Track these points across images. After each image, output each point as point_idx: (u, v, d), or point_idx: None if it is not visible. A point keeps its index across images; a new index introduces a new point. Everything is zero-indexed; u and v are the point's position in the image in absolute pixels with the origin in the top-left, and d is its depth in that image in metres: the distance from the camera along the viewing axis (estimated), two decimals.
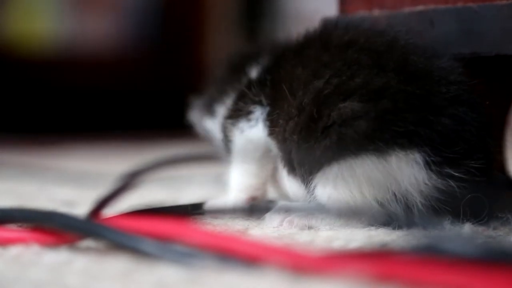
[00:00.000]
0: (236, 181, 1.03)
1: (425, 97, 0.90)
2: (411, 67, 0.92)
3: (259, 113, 1.00)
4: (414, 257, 0.65)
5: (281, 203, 0.96)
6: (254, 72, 1.05)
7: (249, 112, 1.00)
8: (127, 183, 0.90)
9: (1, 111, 2.86)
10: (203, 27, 3.37)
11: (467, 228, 0.88)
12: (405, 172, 0.89)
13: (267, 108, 1.00)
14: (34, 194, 1.37)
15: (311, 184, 0.93)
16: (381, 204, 0.90)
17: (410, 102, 0.89)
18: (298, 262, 0.67)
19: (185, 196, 1.29)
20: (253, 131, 1.00)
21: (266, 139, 0.99)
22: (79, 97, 3.06)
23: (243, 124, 1.01)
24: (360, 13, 1.14)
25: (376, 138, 0.88)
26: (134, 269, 0.71)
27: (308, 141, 0.92)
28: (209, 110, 1.11)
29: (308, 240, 0.86)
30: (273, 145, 0.99)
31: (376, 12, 1.12)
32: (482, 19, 1.00)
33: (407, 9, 1.07)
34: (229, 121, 1.02)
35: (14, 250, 0.81)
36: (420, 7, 1.06)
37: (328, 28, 1.03)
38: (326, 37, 1.00)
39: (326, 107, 0.91)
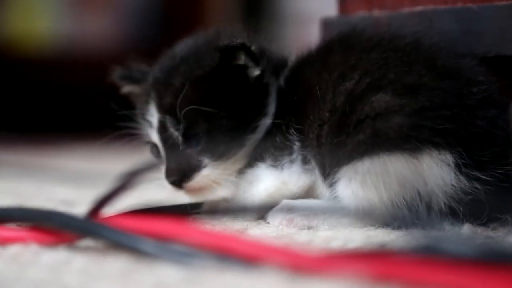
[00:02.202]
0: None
1: (459, 96, 0.90)
2: (440, 66, 0.92)
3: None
4: (413, 257, 0.65)
5: (286, 201, 0.96)
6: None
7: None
8: (126, 182, 0.90)
9: (0, 111, 2.86)
10: (203, 27, 3.37)
11: (466, 228, 0.88)
12: (434, 172, 0.89)
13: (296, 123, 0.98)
14: (33, 193, 1.37)
15: (333, 178, 0.93)
16: (402, 204, 0.90)
17: (446, 100, 0.89)
18: (297, 262, 0.67)
19: (184, 195, 1.29)
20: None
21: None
22: (78, 96, 3.05)
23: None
24: (360, 13, 1.14)
25: (411, 136, 0.89)
26: (133, 269, 0.71)
27: (340, 136, 0.92)
28: None
29: (307, 240, 0.86)
30: (310, 156, 0.97)
31: (376, 13, 1.12)
32: (481, 19, 1.00)
33: (406, 10, 1.07)
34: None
35: (13, 249, 0.81)
36: (419, 8, 1.06)
37: (345, 34, 1.02)
38: (347, 41, 1.00)
39: (359, 101, 0.92)
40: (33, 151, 2.41)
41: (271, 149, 0.98)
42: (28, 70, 3.03)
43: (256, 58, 0.97)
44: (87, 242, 0.82)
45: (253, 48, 0.96)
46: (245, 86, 0.98)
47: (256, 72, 0.98)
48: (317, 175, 0.97)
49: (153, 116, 1.00)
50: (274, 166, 0.98)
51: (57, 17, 3.31)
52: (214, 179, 1.00)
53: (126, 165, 1.04)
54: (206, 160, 0.98)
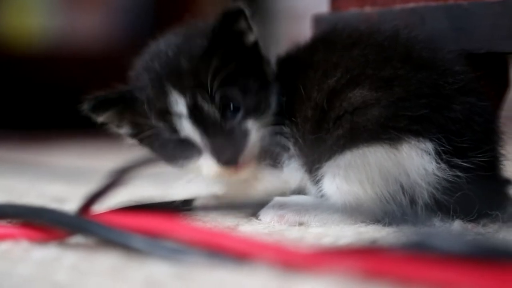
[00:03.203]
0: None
1: (434, 86, 0.91)
2: (416, 58, 0.93)
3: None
4: (404, 253, 0.65)
5: (277, 198, 0.96)
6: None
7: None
8: (117, 179, 0.89)
9: None
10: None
11: (457, 225, 0.89)
12: (415, 162, 0.89)
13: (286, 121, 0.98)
14: (24, 190, 1.36)
15: (318, 175, 0.93)
16: (387, 198, 0.90)
17: (421, 89, 0.90)
18: (288, 259, 0.67)
19: (175, 192, 1.29)
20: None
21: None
22: (70, 93, 3.05)
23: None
24: (352, 10, 1.14)
25: (389, 126, 0.89)
26: (123, 265, 0.71)
27: (320, 132, 0.93)
28: None
29: (298, 237, 0.86)
30: (295, 151, 0.97)
31: (367, 9, 1.12)
32: (472, 16, 1.00)
33: (398, 6, 1.07)
34: None
35: (3, 246, 0.81)
36: (411, 4, 1.06)
37: (327, 32, 1.03)
38: (330, 39, 1.00)
39: (337, 98, 0.92)
40: (25, 148, 2.41)
41: (270, 148, 0.98)
42: (19, 67, 3.02)
43: (250, 26, 0.97)
44: (77, 238, 0.82)
45: (247, 13, 0.96)
46: (246, 53, 0.98)
47: (252, 37, 0.98)
48: (304, 173, 0.97)
49: (179, 104, 0.95)
50: (273, 165, 0.98)
51: (48, 14, 3.31)
52: (262, 145, 0.97)
53: (117, 162, 1.04)
54: (249, 124, 0.96)
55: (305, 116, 0.95)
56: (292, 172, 0.98)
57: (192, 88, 0.94)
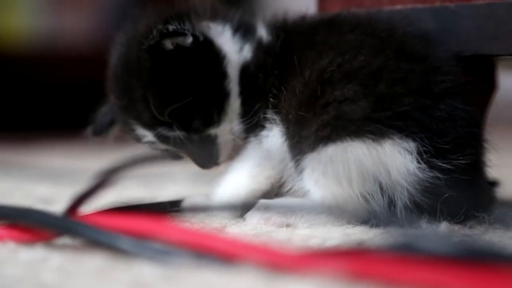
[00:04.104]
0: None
1: (423, 83, 0.91)
2: (409, 53, 0.94)
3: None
4: (391, 255, 0.66)
5: (262, 201, 0.96)
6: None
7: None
8: (105, 180, 0.89)
9: None
10: None
11: (444, 226, 0.89)
12: (397, 160, 0.89)
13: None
14: (10, 190, 1.36)
15: (300, 167, 0.94)
16: (364, 198, 0.90)
17: (407, 87, 0.91)
18: (275, 260, 0.67)
19: (163, 193, 1.29)
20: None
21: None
22: (56, 93, 3.04)
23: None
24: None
25: (373, 119, 0.90)
26: (110, 267, 0.71)
27: (306, 112, 0.93)
28: None
29: (285, 238, 0.86)
30: (277, 120, 0.98)
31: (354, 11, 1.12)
32: (459, 18, 1.01)
33: (385, 8, 1.08)
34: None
35: None
36: (398, 6, 1.06)
37: (332, 16, 1.04)
38: (332, 23, 1.02)
39: (330, 86, 0.93)
40: (11, 148, 2.40)
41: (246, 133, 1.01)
42: (6, 66, 3.01)
43: (180, 32, 0.97)
44: (64, 240, 0.81)
45: (171, 28, 0.96)
46: (193, 58, 0.98)
47: (189, 39, 0.98)
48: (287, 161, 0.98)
49: (146, 135, 1.01)
50: (254, 137, 1.01)
51: (35, 14, 3.30)
52: (235, 139, 1.01)
53: (105, 163, 1.04)
54: (213, 131, 1.00)
55: (293, 90, 0.96)
56: (274, 143, 0.98)
57: (153, 124, 0.99)
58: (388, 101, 0.90)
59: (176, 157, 1.05)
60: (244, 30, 1.04)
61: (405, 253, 0.65)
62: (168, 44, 0.96)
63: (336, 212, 0.92)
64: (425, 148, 0.89)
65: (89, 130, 1.08)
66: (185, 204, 1.04)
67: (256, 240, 0.82)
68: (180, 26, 0.97)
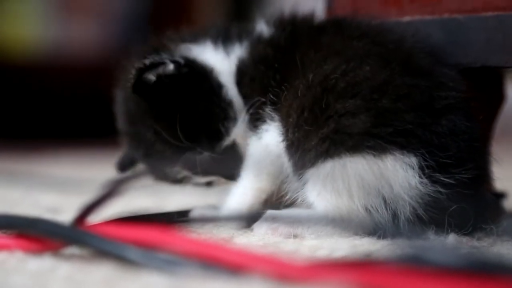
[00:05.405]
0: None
1: (427, 98, 0.91)
2: (414, 67, 0.94)
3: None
4: (399, 267, 0.65)
5: (270, 211, 0.96)
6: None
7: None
8: (112, 190, 0.89)
9: None
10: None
11: (452, 238, 0.89)
12: (399, 175, 0.89)
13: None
14: (18, 200, 1.36)
15: (302, 180, 0.94)
16: (368, 211, 0.90)
17: (410, 103, 0.90)
18: (283, 271, 0.67)
19: (170, 203, 1.29)
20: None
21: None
22: (65, 103, 3.05)
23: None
24: None
25: (374, 135, 0.89)
26: (118, 277, 0.71)
27: (309, 126, 0.93)
28: None
29: (292, 249, 0.86)
30: (275, 118, 0.99)
31: None
32: (467, 30, 1.01)
33: (393, 19, 1.08)
34: None
35: None
36: (406, 18, 1.07)
37: (341, 19, 1.04)
38: (340, 27, 1.01)
39: (333, 97, 0.92)
40: (19, 158, 2.41)
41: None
42: (14, 76, 3.02)
43: (157, 63, 0.98)
44: (72, 249, 0.82)
45: (147, 62, 0.97)
46: (182, 80, 1.00)
47: (169, 66, 0.99)
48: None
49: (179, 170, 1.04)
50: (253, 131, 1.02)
51: (43, 23, 3.31)
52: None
53: (113, 173, 1.05)
54: (231, 139, 1.02)
55: (295, 91, 0.96)
56: (272, 136, 0.98)
57: (176, 156, 1.01)
58: (390, 117, 0.90)
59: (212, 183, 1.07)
60: (224, 36, 1.06)
61: (413, 264, 0.65)
62: (151, 76, 0.98)
63: (342, 223, 0.92)
64: (426, 163, 0.89)
65: (117, 166, 1.10)
66: (193, 214, 1.04)
67: (263, 251, 0.82)
68: (157, 57, 0.99)
